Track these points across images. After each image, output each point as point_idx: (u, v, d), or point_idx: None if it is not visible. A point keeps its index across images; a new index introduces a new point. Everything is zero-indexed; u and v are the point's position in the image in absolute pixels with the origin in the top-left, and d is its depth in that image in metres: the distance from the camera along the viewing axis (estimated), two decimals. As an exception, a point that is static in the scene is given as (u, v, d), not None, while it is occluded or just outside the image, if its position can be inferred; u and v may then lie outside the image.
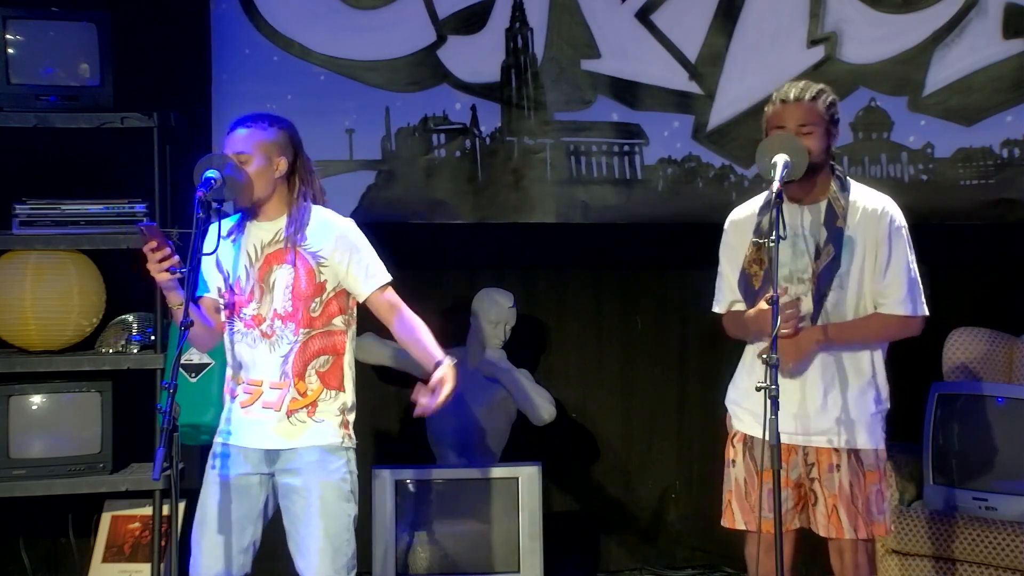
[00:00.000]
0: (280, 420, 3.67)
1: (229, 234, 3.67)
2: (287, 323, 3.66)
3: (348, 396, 3.73)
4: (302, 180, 3.73)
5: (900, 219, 3.66)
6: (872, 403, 3.67)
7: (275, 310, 3.66)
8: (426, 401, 3.59)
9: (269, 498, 3.73)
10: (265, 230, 3.70)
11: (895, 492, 4.92)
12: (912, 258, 3.65)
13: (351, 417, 3.73)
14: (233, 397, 3.72)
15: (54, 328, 4.87)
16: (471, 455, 5.23)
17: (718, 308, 3.82)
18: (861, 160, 5.34)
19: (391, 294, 3.75)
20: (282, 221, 3.70)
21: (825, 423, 3.62)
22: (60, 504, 5.08)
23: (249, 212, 3.70)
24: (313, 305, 3.68)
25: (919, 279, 3.67)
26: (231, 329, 3.70)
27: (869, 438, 3.65)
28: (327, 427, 3.69)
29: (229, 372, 3.75)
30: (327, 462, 3.68)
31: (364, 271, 3.71)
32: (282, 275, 3.67)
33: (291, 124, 3.74)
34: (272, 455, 3.68)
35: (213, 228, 3.58)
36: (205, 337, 3.75)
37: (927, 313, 3.68)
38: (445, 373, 3.62)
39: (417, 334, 3.71)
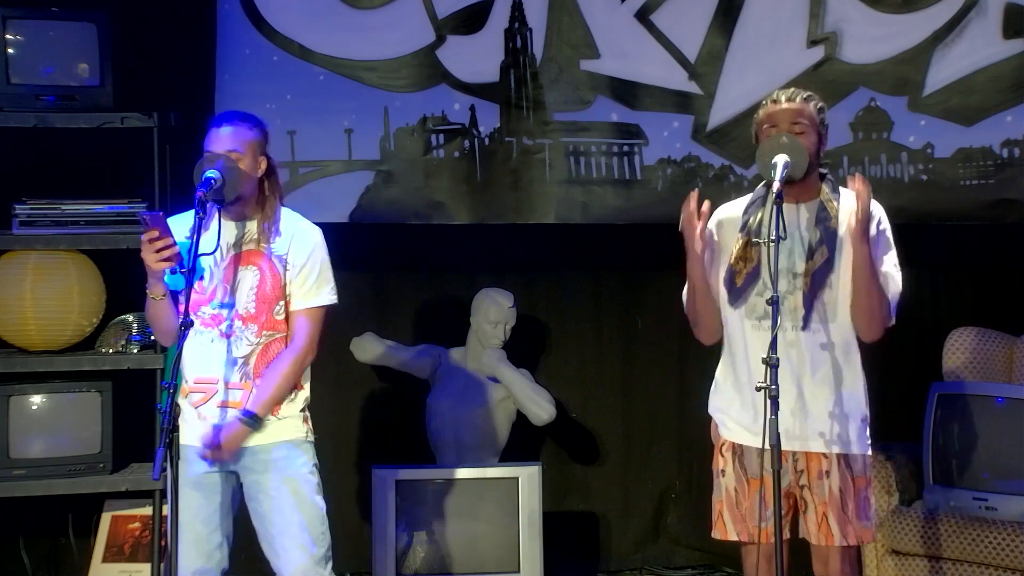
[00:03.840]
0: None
1: (190, 233, 3.58)
2: (248, 325, 3.67)
3: (306, 391, 3.78)
4: (273, 182, 3.75)
5: (885, 223, 3.62)
6: (864, 406, 3.65)
7: (237, 311, 3.66)
8: (209, 451, 3.64)
9: (235, 492, 3.76)
10: (233, 230, 3.70)
11: (894, 492, 4.92)
12: (895, 270, 3.59)
13: (308, 412, 3.78)
14: (186, 396, 3.70)
15: (54, 328, 4.87)
16: (471, 455, 5.23)
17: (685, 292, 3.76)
18: (861, 160, 5.33)
19: (318, 321, 3.74)
20: (253, 222, 3.70)
21: (820, 426, 3.59)
22: (60, 504, 5.08)
23: (221, 211, 3.66)
24: (277, 308, 3.69)
25: (898, 287, 3.59)
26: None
27: (860, 443, 3.63)
28: (291, 423, 3.74)
29: (183, 371, 3.69)
30: (294, 457, 3.71)
31: (311, 286, 3.72)
32: (248, 276, 3.67)
33: (266, 125, 3.76)
34: (237, 452, 3.70)
35: (178, 220, 3.58)
36: (172, 332, 3.68)
37: (892, 322, 3.59)
38: (233, 430, 3.64)
39: (275, 372, 3.68)
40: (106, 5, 4.91)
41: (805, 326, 3.58)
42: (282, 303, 3.70)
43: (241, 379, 3.68)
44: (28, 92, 4.80)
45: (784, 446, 3.41)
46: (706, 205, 3.58)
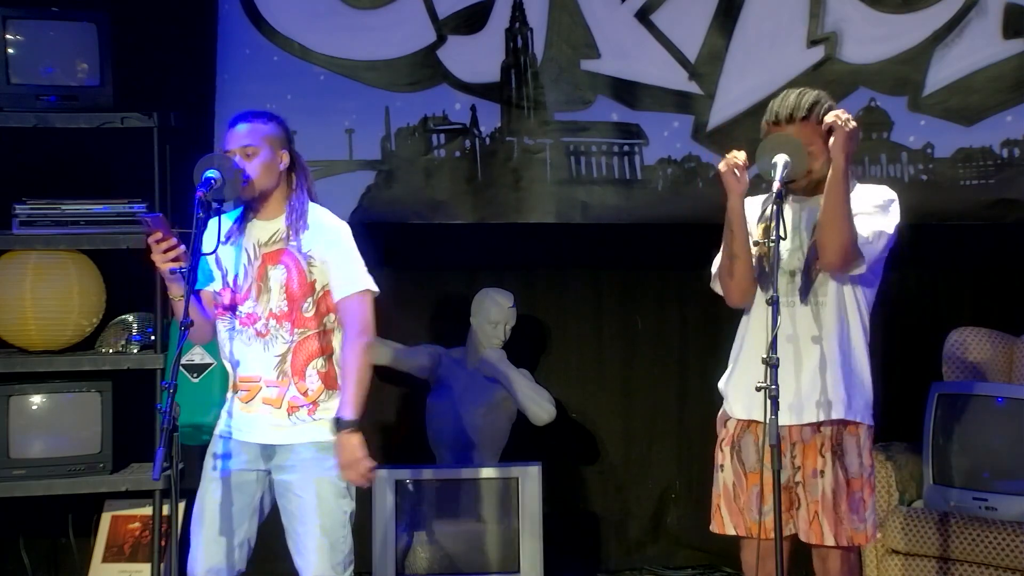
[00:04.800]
0: (280, 418, 3.70)
1: (228, 235, 3.68)
2: (282, 323, 3.68)
3: None
4: (299, 175, 3.76)
5: (890, 199, 3.63)
6: (865, 378, 3.66)
7: (271, 309, 3.68)
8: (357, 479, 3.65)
9: (265, 495, 3.75)
10: (264, 229, 3.72)
11: (894, 492, 4.92)
12: (881, 225, 3.57)
13: None
14: (235, 392, 3.75)
15: (54, 328, 4.87)
16: (471, 455, 5.23)
17: (713, 269, 3.76)
18: (861, 160, 5.33)
19: (363, 305, 3.70)
20: (280, 220, 3.72)
21: (817, 395, 3.59)
22: (60, 504, 5.08)
23: (250, 209, 3.71)
24: (305, 305, 3.70)
25: (869, 232, 3.56)
26: (227, 327, 3.73)
27: (862, 412, 3.63)
28: (325, 425, 3.71)
29: (228, 368, 3.78)
30: (323, 459, 3.70)
31: (344, 274, 3.71)
32: (277, 274, 3.69)
33: (284, 120, 3.79)
34: (268, 451, 3.71)
35: (212, 223, 3.59)
36: (206, 329, 3.77)
37: (860, 262, 3.55)
38: (341, 446, 3.62)
39: (353, 373, 3.66)
40: (106, 5, 4.92)
41: (803, 299, 3.61)
42: (310, 300, 3.71)
43: (278, 377, 3.69)
44: (28, 92, 4.80)
45: (783, 420, 3.44)
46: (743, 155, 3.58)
